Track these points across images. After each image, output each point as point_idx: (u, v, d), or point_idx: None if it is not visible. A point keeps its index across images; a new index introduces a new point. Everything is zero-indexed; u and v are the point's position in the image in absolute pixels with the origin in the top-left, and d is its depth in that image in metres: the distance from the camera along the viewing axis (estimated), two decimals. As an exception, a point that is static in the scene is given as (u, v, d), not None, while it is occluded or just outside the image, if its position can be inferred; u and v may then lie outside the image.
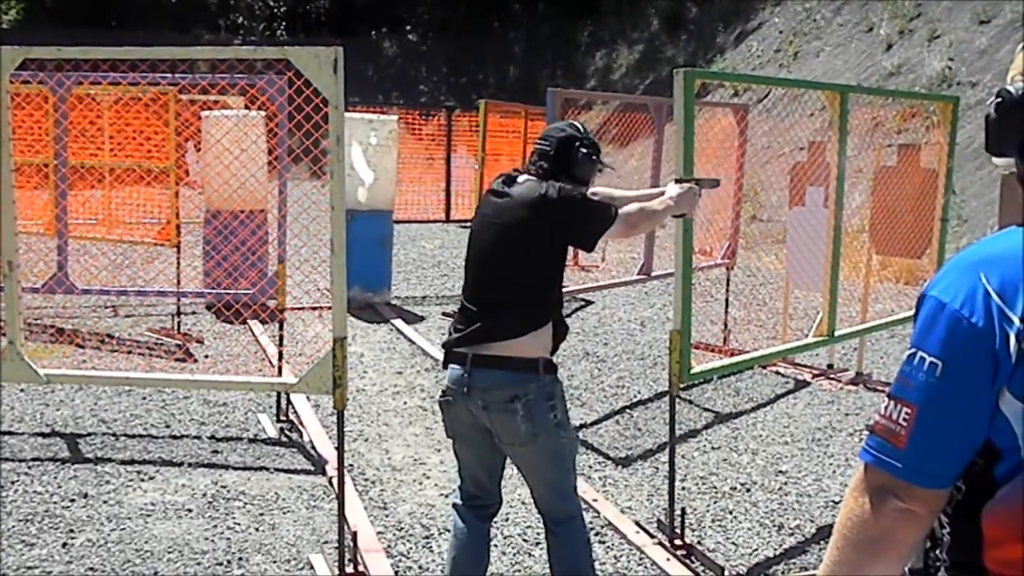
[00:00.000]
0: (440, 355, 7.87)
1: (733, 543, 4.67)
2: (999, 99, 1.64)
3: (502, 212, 3.40)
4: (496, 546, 4.51)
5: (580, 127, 3.64)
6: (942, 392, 1.45)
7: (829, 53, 18.71)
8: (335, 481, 4.56)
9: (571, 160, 3.49)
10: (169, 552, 4.42)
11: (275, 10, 35.57)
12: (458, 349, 3.41)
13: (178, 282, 8.47)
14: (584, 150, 3.51)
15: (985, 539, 1.45)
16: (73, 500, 4.95)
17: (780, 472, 5.63)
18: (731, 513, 5.02)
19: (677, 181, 3.88)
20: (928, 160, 7.06)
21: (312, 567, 4.31)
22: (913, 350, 1.50)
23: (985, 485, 1.46)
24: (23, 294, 4.37)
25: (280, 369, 6.50)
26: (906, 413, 1.48)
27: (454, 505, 3.65)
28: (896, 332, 8.50)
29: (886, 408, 1.51)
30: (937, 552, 1.54)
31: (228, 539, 4.56)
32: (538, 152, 3.52)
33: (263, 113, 8.42)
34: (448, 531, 4.67)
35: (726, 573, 4.29)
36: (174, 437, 5.98)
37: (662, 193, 3.87)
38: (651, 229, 4.31)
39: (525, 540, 4.64)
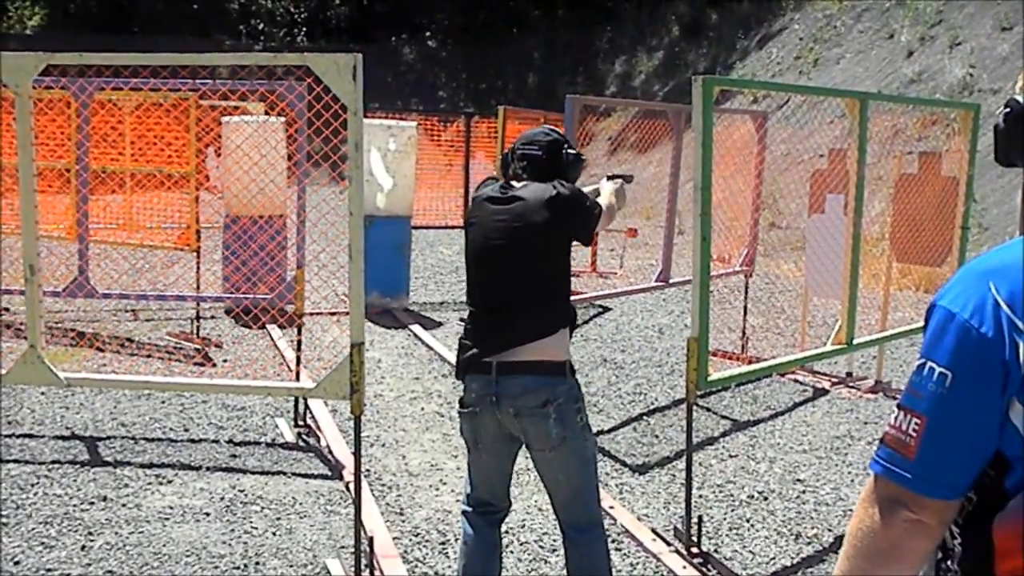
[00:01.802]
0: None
1: (750, 552, 4.66)
2: (1008, 109, 1.64)
3: (519, 215, 3.39)
4: (512, 552, 4.52)
5: (558, 131, 3.74)
6: (952, 402, 1.45)
7: (849, 60, 18.65)
8: (352, 486, 4.58)
9: (562, 163, 3.57)
10: (187, 555, 4.44)
11: (296, 16, 35.76)
12: (481, 359, 3.38)
13: (198, 287, 8.53)
14: (571, 151, 3.62)
15: (996, 550, 1.45)
16: (92, 503, 4.99)
17: (798, 480, 5.61)
18: (748, 521, 5.01)
19: (609, 178, 3.96)
20: (949, 168, 7.03)
21: (329, 572, 4.33)
22: (922, 360, 1.49)
23: (996, 496, 1.45)
24: (44, 298, 4.41)
25: (298, 374, 6.52)
26: (916, 424, 1.48)
27: (464, 512, 3.64)
28: (916, 340, 8.44)
29: (896, 418, 1.51)
30: (948, 563, 1.53)
31: (245, 543, 4.59)
32: (529, 158, 3.54)
33: (283, 119, 8.47)
34: (464, 537, 4.69)
35: (742, 581, 4.29)
36: (192, 441, 6.02)
37: (597, 191, 3.93)
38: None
39: (541, 547, 4.64)
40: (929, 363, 1.48)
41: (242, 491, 5.22)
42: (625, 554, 4.58)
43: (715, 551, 4.62)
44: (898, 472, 1.49)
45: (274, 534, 4.70)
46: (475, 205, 3.56)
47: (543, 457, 3.43)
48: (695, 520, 4.59)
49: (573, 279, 3.70)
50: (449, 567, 4.42)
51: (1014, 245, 1.49)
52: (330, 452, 5.84)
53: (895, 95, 14.64)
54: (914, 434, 1.48)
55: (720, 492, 5.40)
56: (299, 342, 6.48)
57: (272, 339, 8.59)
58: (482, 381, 3.37)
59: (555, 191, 3.40)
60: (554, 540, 4.64)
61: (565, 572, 3.63)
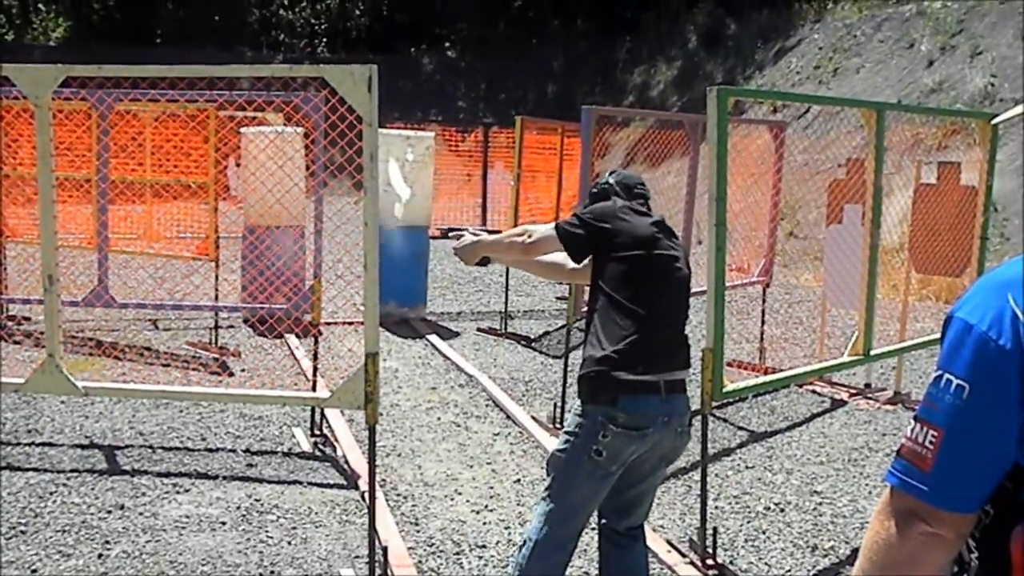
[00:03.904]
0: (474, 372, 7.79)
1: (766, 563, 4.63)
2: None
3: (685, 252, 3.59)
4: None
5: None
6: (969, 415, 1.43)
7: (869, 70, 18.57)
8: (367, 496, 4.57)
9: None
10: (203, 564, 4.45)
11: (316, 27, 35.94)
12: (647, 377, 3.32)
13: (216, 296, 8.56)
14: None
15: (1013, 564, 1.43)
16: (109, 511, 5.00)
17: (815, 492, 5.57)
18: (764, 533, 4.97)
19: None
20: (969, 177, 6.99)
21: (343, 582, 4.32)
22: (940, 372, 1.48)
23: (1013, 509, 1.44)
24: (63, 307, 4.44)
25: (315, 384, 6.53)
26: (932, 436, 1.46)
27: (555, 547, 3.44)
28: (935, 351, 8.33)
29: (912, 431, 1.50)
30: (965, 576, 1.52)
31: (261, 552, 4.59)
32: (646, 197, 3.70)
33: (300, 129, 8.50)
34: (480, 547, 4.69)
35: (759, 594, 4.25)
36: (210, 450, 6.03)
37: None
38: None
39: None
40: (946, 375, 1.47)
41: (258, 500, 5.23)
42: (641, 566, 4.55)
43: (730, 563, 4.59)
44: (914, 485, 1.48)
45: (289, 543, 4.70)
46: (653, 225, 3.51)
47: (658, 470, 3.52)
48: (710, 531, 4.56)
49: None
50: (464, 578, 4.41)
51: (1032, 256, 1.47)
52: (346, 462, 5.84)
53: (912, 105, 14.57)
54: (931, 446, 1.46)
55: (736, 503, 5.37)
56: (316, 352, 6.49)
57: (290, 348, 8.61)
58: (655, 401, 3.32)
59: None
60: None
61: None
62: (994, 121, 1.81)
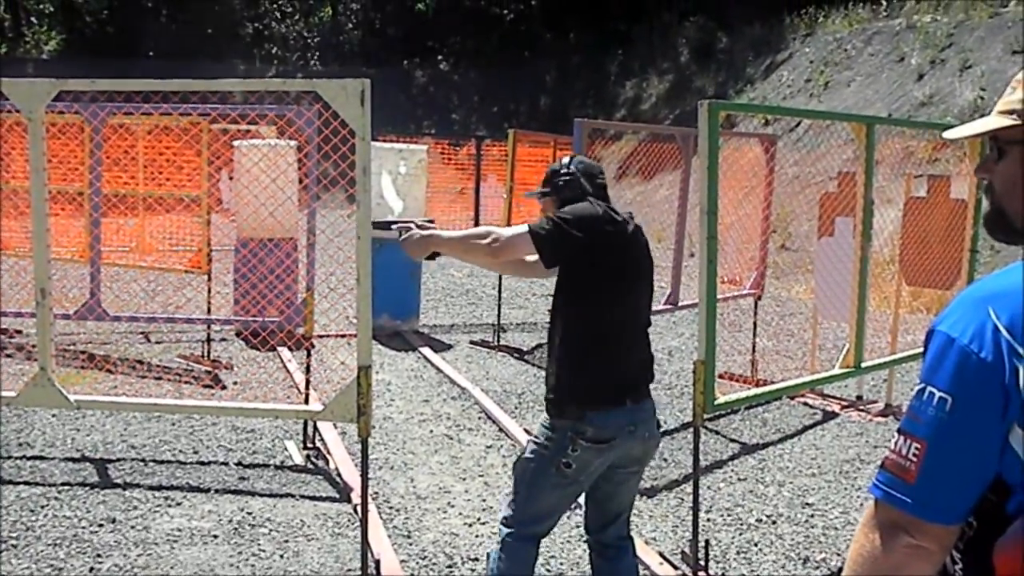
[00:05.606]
0: (466, 385, 7.78)
1: (758, 576, 4.64)
2: None
3: (646, 245, 3.49)
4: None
5: None
6: (951, 427, 1.45)
7: (860, 83, 18.67)
8: (360, 509, 4.57)
9: None
10: (194, 578, 4.45)
11: (309, 41, 36.04)
12: (613, 391, 3.31)
13: (208, 309, 8.56)
14: None
15: (997, 575, 1.45)
16: (101, 525, 5.00)
17: (807, 504, 5.58)
18: (756, 545, 4.98)
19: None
20: (959, 191, 7.03)
21: (335, 595, 4.32)
22: (922, 385, 1.49)
23: (997, 521, 1.45)
24: (55, 320, 4.44)
25: (307, 396, 6.53)
26: (916, 448, 1.48)
27: (520, 538, 3.43)
28: (926, 364, 8.40)
29: (896, 443, 1.51)
30: (949, 588, 1.53)
31: (253, 566, 4.59)
32: (606, 187, 3.55)
33: (293, 143, 8.53)
34: (473, 560, 4.68)
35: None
36: (202, 463, 6.03)
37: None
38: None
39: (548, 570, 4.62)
40: (929, 388, 1.48)
41: (250, 513, 5.22)
42: (633, 578, 4.56)
43: (723, 575, 4.60)
44: (898, 497, 1.49)
45: (281, 556, 4.70)
46: (609, 216, 3.37)
47: (634, 476, 3.50)
48: (702, 544, 4.57)
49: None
50: (456, 591, 4.41)
51: (1013, 270, 1.49)
52: (338, 475, 5.84)
53: (901, 119, 14.64)
54: (914, 459, 1.48)
55: (728, 515, 5.38)
56: (308, 365, 6.49)
57: (282, 361, 8.61)
58: (621, 412, 3.31)
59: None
60: (560, 563, 4.62)
61: None
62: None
